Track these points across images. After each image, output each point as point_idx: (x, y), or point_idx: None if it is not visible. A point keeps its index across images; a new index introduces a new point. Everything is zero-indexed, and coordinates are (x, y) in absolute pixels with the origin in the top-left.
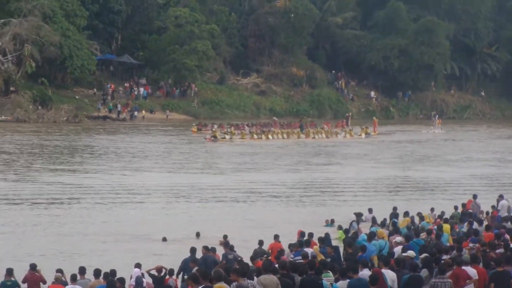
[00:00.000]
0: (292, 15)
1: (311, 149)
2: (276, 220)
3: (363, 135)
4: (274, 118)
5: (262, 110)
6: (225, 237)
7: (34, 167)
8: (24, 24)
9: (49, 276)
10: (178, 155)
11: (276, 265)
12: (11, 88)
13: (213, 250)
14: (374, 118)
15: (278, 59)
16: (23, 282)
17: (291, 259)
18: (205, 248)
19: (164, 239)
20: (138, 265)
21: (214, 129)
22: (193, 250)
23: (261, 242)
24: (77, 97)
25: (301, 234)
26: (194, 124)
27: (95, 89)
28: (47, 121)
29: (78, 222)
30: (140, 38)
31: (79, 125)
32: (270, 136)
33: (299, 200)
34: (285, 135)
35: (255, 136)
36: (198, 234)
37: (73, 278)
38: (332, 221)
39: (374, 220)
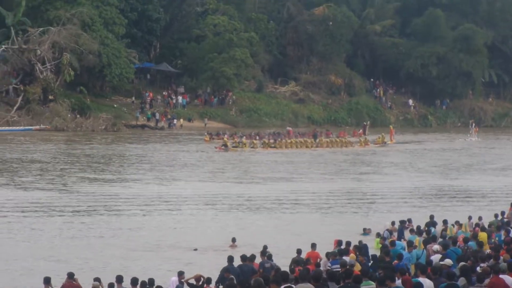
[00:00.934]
0: (331, 23)
1: (344, 157)
2: (312, 229)
3: (380, 144)
4: (288, 127)
5: (300, 118)
6: (265, 247)
7: (69, 176)
8: (63, 33)
9: (87, 285)
10: (212, 163)
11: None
12: (50, 97)
13: (252, 258)
14: (391, 126)
15: (316, 67)
16: None
17: (328, 268)
18: (242, 257)
19: (195, 250)
20: (180, 273)
21: (225, 138)
22: (230, 259)
23: (299, 251)
24: (115, 105)
25: (338, 243)
26: (206, 133)
27: (133, 98)
28: (86, 129)
29: (113, 231)
30: (178, 46)
31: (117, 133)
32: (283, 146)
33: (336, 209)
34: (298, 145)
35: (267, 145)
36: (234, 239)
37: (111, 287)
38: (365, 229)
39: (412, 229)
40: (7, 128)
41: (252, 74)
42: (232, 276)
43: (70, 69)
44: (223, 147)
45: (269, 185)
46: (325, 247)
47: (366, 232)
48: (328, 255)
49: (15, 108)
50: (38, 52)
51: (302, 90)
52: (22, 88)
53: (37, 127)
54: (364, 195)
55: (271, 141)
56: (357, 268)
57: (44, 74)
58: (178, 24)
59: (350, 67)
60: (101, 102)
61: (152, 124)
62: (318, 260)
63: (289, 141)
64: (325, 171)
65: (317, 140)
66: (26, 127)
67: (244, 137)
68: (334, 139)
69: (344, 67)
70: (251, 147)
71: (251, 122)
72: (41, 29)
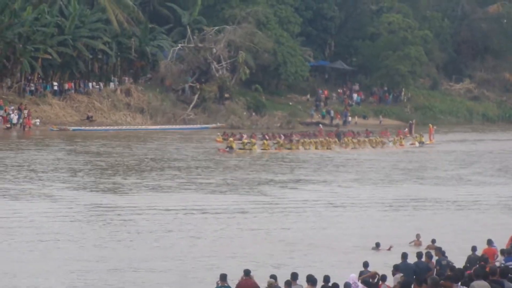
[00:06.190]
0: (505, 20)
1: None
2: (487, 226)
3: (416, 144)
4: (320, 125)
5: (475, 116)
6: (433, 241)
7: (243, 177)
8: (238, 31)
9: (263, 282)
10: (367, 163)
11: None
12: (226, 95)
13: (429, 256)
14: (430, 125)
15: (491, 65)
16: None
17: (502, 264)
18: (418, 254)
19: (377, 245)
20: (366, 264)
21: (231, 139)
22: (404, 256)
23: (474, 248)
24: (290, 103)
25: None
26: (219, 133)
27: (308, 96)
28: (261, 127)
29: (292, 230)
30: (353, 44)
31: (293, 131)
32: (300, 147)
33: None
34: (318, 146)
35: (281, 147)
36: (418, 236)
37: (287, 284)
38: None
39: None
40: (184, 126)
41: (426, 71)
42: (401, 274)
43: (245, 67)
44: (227, 149)
45: (439, 185)
46: (499, 245)
47: None
48: (503, 252)
49: (191, 106)
50: (214, 50)
51: (477, 87)
52: (198, 87)
53: (214, 125)
54: None
55: (286, 142)
56: None
57: (220, 72)
58: (352, 22)
59: None
60: (276, 100)
61: (326, 121)
62: (495, 257)
63: (307, 141)
64: (481, 169)
65: (342, 141)
66: (203, 126)
67: (267, 136)
68: (362, 139)
69: None
70: (262, 149)
71: (426, 119)
72: (216, 27)
